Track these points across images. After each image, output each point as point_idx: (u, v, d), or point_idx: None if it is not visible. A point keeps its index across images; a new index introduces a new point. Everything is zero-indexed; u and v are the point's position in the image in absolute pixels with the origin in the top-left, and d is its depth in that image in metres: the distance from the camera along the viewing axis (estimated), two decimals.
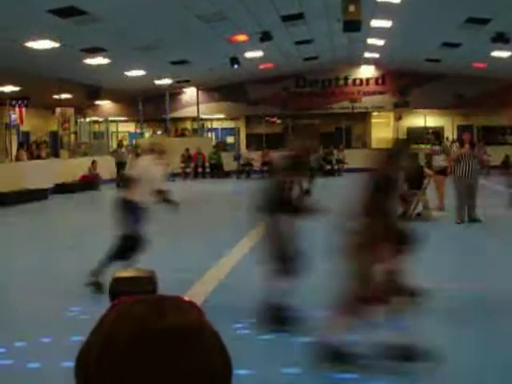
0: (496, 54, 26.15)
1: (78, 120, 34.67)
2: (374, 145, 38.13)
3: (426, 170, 15.87)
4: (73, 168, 27.07)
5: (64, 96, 29.92)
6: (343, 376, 5.56)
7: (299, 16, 21.75)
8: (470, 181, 14.69)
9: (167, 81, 32.35)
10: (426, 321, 6.49)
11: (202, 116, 38.42)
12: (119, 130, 39.47)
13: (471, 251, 11.72)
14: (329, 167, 33.29)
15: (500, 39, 21.75)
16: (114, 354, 1.00)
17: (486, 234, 13.48)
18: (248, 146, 37.22)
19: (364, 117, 38.65)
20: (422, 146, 24.92)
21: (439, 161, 16.51)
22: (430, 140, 17.51)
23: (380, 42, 28.14)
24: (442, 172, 16.14)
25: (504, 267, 10.00)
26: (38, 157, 28.44)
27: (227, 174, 33.00)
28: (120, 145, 30.52)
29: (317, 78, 37.45)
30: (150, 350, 1.00)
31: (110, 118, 38.22)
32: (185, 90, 37.43)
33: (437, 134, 18.07)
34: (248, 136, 39.48)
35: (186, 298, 1.12)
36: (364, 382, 5.54)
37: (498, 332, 6.75)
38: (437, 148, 16.94)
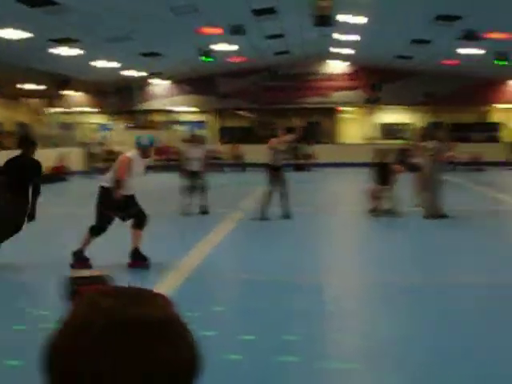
0: (465, 51, 26.35)
1: (47, 111, 34.36)
2: (343, 140, 38.30)
3: (395, 166, 15.92)
4: (41, 159, 26.82)
5: (33, 86, 29.65)
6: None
7: (271, 10, 21.73)
8: (438, 176, 14.93)
9: (138, 72, 32.21)
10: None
11: (173, 108, 38.30)
12: (89, 121, 39.13)
13: (435, 246, 11.81)
14: (298, 162, 33.37)
15: (470, 37, 21.90)
16: (85, 344, 1.01)
17: (453, 229, 13.60)
18: (221, 140, 37.20)
19: (334, 112, 38.72)
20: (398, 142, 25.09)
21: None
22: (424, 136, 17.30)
23: (351, 38, 28.17)
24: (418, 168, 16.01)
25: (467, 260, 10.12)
26: (7, 148, 28.18)
27: None
28: (90, 136, 30.33)
29: (288, 73, 37.41)
30: (116, 341, 1.01)
31: (79, 110, 37.89)
32: (156, 82, 37.23)
33: (427, 131, 17.86)
34: (221, 129, 39.36)
35: (156, 290, 1.13)
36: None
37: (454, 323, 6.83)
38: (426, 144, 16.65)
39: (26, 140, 10.86)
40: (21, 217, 9.73)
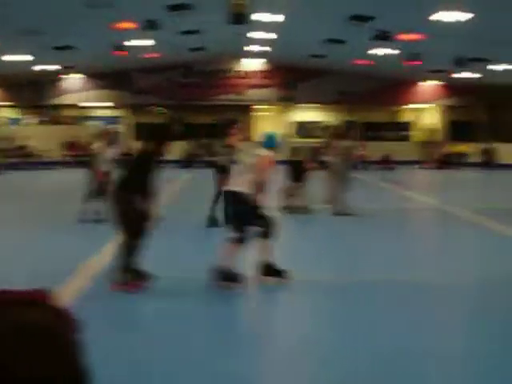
0: (378, 51, 26.78)
1: None
2: (258, 138, 38.41)
3: (309, 164, 16.03)
4: None
5: None
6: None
7: (186, 6, 21.60)
8: (347, 175, 15.24)
9: (51, 66, 31.61)
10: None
11: (86, 103, 37.75)
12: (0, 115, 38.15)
13: (344, 242, 11.98)
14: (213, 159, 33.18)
15: (382, 37, 22.24)
16: None
17: (361, 226, 13.81)
18: (136, 136, 36.73)
19: (249, 109, 38.83)
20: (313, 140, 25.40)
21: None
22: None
23: (267, 36, 28.27)
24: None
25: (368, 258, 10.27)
26: None
27: None
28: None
29: (204, 69, 37.35)
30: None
31: None
32: (69, 76, 36.59)
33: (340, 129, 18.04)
34: (137, 125, 38.84)
35: (55, 301, 1.08)
36: None
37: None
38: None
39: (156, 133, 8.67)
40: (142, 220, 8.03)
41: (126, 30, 23.79)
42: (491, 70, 28.31)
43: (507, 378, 5.37)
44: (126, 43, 26.13)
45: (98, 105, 38.52)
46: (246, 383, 5.42)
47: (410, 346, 6.06)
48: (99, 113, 39.33)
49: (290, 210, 15.23)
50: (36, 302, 1.05)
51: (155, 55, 31.46)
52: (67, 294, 7.40)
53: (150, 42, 27.25)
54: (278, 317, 7.33)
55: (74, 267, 8.92)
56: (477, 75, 31.01)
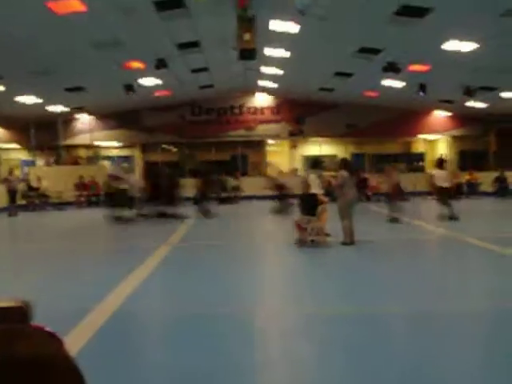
0: (387, 83, 26.91)
1: None
2: (271, 173, 38.53)
3: (321, 197, 16.00)
4: None
5: None
6: None
7: (195, 44, 21.79)
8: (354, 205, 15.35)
9: (61, 107, 31.83)
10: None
11: (97, 143, 37.95)
12: (11, 157, 38.37)
13: (360, 273, 11.89)
14: (225, 195, 33.26)
15: (391, 69, 22.38)
16: None
17: (371, 256, 13.74)
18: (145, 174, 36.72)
19: (259, 145, 38.99)
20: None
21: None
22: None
23: (275, 71, 28.49)
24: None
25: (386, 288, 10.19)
26: None
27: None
28: (11, 173, 29.55)
29: (212, 106, 37.59)
30: None
31: (2, 146, 37.18)
32: (79, 116, 36.86)
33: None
34: (146, 164, 39.02)
35: (48, 330, 1.06)
36: None
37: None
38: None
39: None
40: None
41: (135, 69, 24.04)
42: (499, 99, 28.36)
43: None
44: (136, 82, 26.38)
45: (109, 144, 38.71)
46: None
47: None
48: (111, 152, 39.55)
49: (302, 243, 15.16)
50: (39, 335, 1.04)
51: (165, 93, 31.69)
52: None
53: (159, 81, 27.47)
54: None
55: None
56: (485, 104, 31.07)
